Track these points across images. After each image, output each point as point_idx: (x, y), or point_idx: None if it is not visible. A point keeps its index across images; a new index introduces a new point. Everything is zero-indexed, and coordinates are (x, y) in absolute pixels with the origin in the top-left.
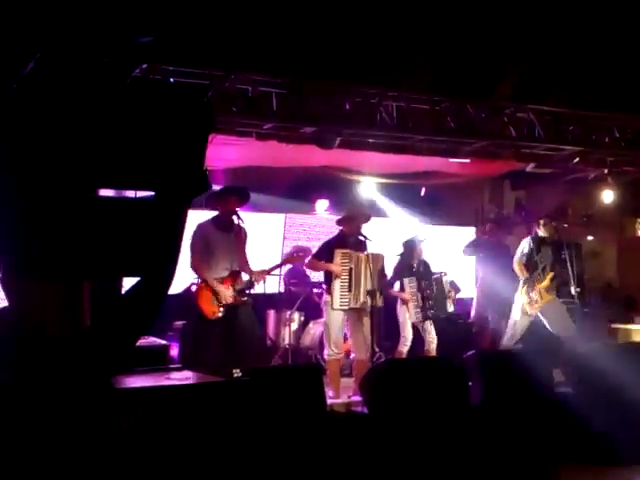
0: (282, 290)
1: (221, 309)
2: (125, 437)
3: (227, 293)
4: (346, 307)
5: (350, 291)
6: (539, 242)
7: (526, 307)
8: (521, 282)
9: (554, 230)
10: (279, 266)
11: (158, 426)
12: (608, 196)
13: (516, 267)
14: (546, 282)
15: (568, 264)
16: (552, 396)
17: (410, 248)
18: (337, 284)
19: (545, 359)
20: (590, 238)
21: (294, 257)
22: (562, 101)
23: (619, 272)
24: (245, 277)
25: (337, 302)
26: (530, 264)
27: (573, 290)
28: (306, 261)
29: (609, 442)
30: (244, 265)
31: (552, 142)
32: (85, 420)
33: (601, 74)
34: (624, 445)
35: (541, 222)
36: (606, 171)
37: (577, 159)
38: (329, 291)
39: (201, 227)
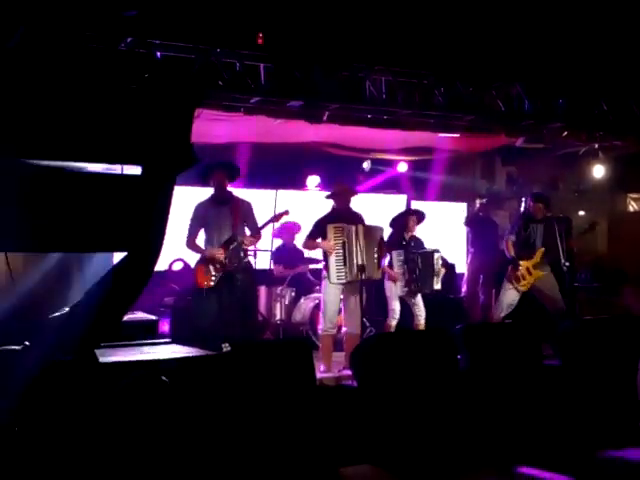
0: (272, 267)
1: (213, 278)
2: (110, 410)
3: (218, 255)
4: (343, 280)
5: (345, 264)
6: (528, 220)
7: (514, 284)
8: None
9: (543, 209)
10: (265, 225)
11: (144, 399)
12: (599, 171)
13: (504, 245)
14: (535, 259)
15: (558, 239)
16: (540, 369)
17: (400, 222)
18: (332, 259)
19: (534, 333)
20: (581, 213)
21: (279, 216)
22: (552, 77)
23: (610, 247)
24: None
25: (334, 276)
26: (518, 242)
27: (563, 264)
28: (301, 242)
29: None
30: (256, 235)
31: (540, 116)
32: (69, 392)
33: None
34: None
35: (530, 202)
36: (596, 146)
37: (565, 133)
38: (326, 266)
39: (198, 207)
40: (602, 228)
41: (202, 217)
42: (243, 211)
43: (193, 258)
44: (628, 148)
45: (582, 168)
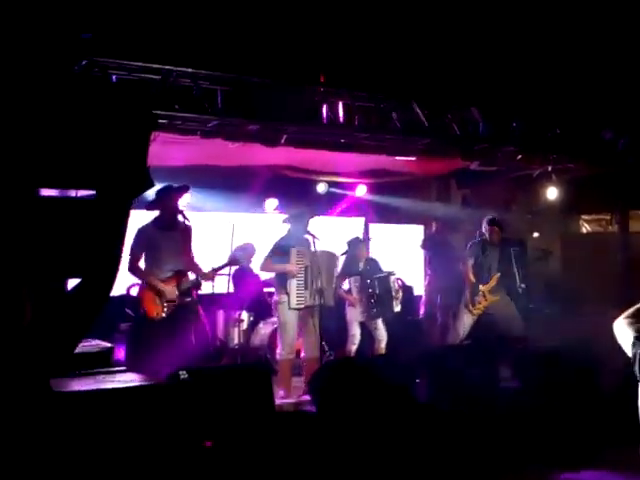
0: (231, 290)
1: (165, 309)
2: (66, 440)
3: (171, 291)
4: (302, 305)
5: (307, 289)
6: (484, 244)
7: (470, 307)
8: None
9: (499, 232)
10: (226, 265)
11: (100, 430)
12: (552, 193)
13: (463, 268)
14: (491, 283)
15: (513, 261)
16: (496, 391)
17: (353, 248)
18: (294, 283)
19: (491, 355)
20: (535, 235)
21: (240, 256)
22: (507, 101)
23: (563, 268)
24: (191, 276)
25: (294, 301)
26: (476, 266)
27: (519, 286)
28: (260, 264)
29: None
30: (190, 263)
31: (495, 140)
32: (22, 423)
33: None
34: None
35: (486, 227)
36: (550, 168)
37: (520, 156)
38: (285, 291)
39: (142, 230)
40: (555, 250)
41: (147, 242)
42: (187, 237)
43: None
44: (581, 171)
45: (536, 191)
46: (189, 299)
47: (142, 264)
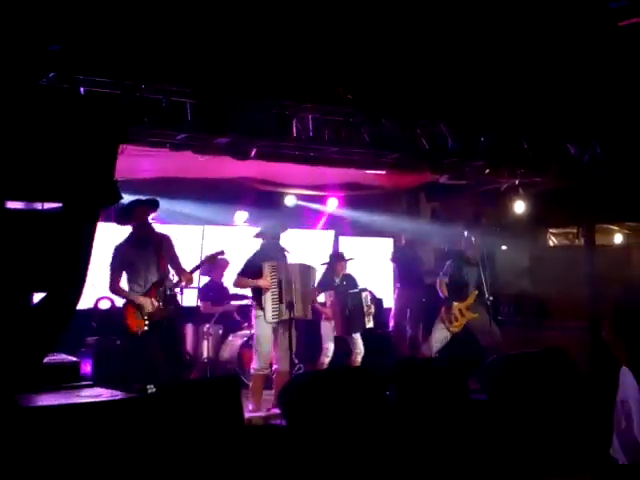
0: (199, 304)
1: (146, 323)
2: (33, 457)
3: (149, 303)
4: (277, 319)
5: (282, 302)
6: (461, 261)
7: (446, 324)
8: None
9: (478, 251)
10: (199, 266)
11: (68, 445)
12: (519, 207)
13: (437, 286)
14: (469, 300)
15: (482, 274)
16: (466, 403)
17: (333, 262)
18: (268, 297)
19: (461, 368)
20: (504, 248)
21: (215, 256)
22: (475, 116)
23: (532, 281)
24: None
25: (270, 315)
26: (451, 283)
27: (487, 299)
28: (233, 281)
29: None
30: (178, 271)
31: (463, 154)
32: None
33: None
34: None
35: (467, 243)
36: (517, 182)
37: (488, 170)
38: (261, 305)
39: (118, 249)
40: (523, 263)
41: (124, 260)
42: (165, 247)
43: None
44: (548, 184)
45: (504, 204)
46: (172, 307)
47: (124, 283)
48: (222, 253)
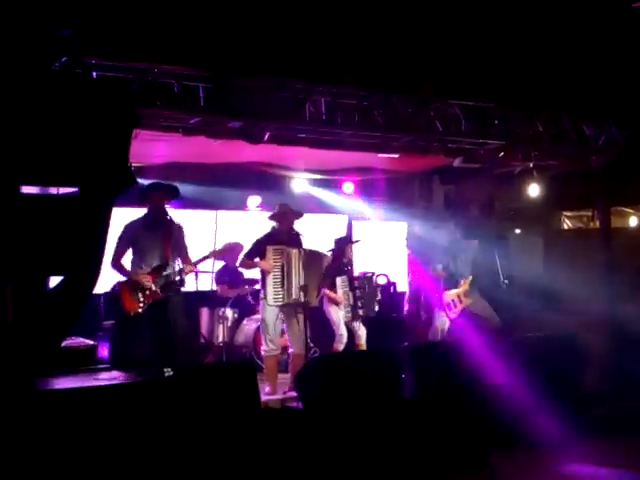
0: (215, 288)
1: (141, 304)
2: (51, 439)
3: (147, 282)
4: (280, 303)
5: (283, 287)
6: (458, 249)
7: (446, 311)
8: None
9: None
10: (206, 258)
11: (85, 428)
12: (534, 190)
13: (434, 274)
14: (464, 287)
15: (496, 257)
16: (481, 384)
17: (340, 248)
18: (270, 280)
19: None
20: (517, 231)
21: (221, 250)
22: (486, 96)
23: (545, 264)
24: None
25: (271, 298)
26: (447, 271)
27: (502, 282)
28: (238, 261)
29: (539, 428)
30: (184, 260)
31: (477, 136)
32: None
33: (523, 72)
34: (553, 431)
35: (462, 236)
36: (531, 165)
37: (502, 153)
38: (263, 287)
39: (128, 226)
40: (538, 246)
41: (132, 238)
42: (175, 236)
43: None
44: (562, 167)
45: (518, 187)
46: (171, 293)
47: (127, 262)
48: (229, 249)
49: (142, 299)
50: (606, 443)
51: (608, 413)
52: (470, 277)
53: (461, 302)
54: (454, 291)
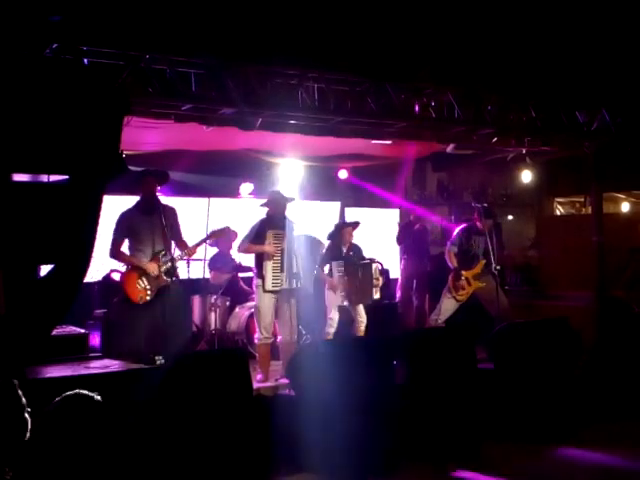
0: (207, 275)
1: (149, 292)
2: (41, 428)
3: (154, 267)
4: (278, 288)
5: (282, 271)
6: (471, 231)
7: (453, 293)
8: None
9: (491, 225)
10: (206, 239)
11: (76, 416)
12: (526, 176)
13: (446, 256)
14: (476, 269)
15: (489, 244)
16: (474, 372)
17: (338, 232)
18: (269, 265)
19: (468, 336)
20: (510, 217)
21: (220, 230)
22: (479, 83)
23: (538, 250)
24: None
25: (269, 284)
26: (460, 253)
27: (494, 268)
28: (237, 246)
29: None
30: (179, 243)
31: (471, 123)
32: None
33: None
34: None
35: (480, 217)
36: (524, 151)
37: (495, 139)
38: (260, 274)
39: (124, 215)
40: (530, 232)
41: (129, 226)
42: (169, 218)
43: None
44: (555, 153)
45: (510, 173)
46: (173, 279)
47: (125, 250)
48: (227, 230)
49: (149, 286)
50: (602, 429)
51: (601, 399)
52: (484, 260)
53: (470, 285)
54: (467, 273)
